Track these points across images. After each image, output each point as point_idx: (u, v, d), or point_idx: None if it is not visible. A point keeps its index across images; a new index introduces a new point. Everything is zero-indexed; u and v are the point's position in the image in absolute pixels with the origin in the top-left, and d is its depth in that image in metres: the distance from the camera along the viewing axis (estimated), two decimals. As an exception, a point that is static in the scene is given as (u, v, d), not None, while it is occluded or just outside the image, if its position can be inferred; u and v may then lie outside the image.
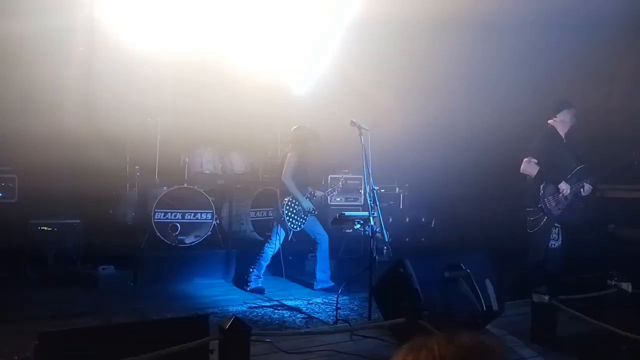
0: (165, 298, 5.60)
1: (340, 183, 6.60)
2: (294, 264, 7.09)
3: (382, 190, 9.00)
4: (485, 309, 3.67)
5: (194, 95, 6.79)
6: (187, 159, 6.77)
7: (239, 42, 7.45)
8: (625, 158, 4.84)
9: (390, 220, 8.93)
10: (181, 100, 6.68)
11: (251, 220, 6.85)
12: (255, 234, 6.89)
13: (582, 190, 4.85)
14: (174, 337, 2.38)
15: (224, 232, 6.99)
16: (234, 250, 6.70)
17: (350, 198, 8.27)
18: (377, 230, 4.42)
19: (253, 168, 7.16)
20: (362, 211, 8.12)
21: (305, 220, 5.84)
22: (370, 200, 4.49)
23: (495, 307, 3.72)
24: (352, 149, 8.56)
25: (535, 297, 3.62)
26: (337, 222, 5.06)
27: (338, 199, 8.16)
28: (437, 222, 8.84)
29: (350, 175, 8.34)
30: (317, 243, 5.98)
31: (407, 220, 8.99)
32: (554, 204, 4.78)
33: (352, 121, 4.71)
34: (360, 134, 4.62)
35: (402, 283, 3.63)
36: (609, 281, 3.88)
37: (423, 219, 9.02)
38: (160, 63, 6.31)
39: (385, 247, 8.05)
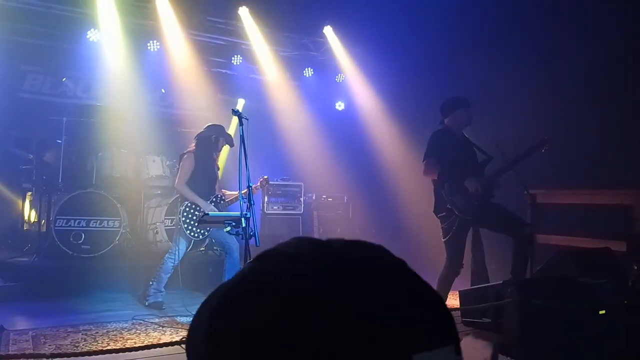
0: (46, 314, 5.00)
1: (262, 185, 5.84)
2: (214, 275, 6.51)
3: (329, 199, 8.43)
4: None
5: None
6: (95, 162, 6.20)
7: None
8: (535, 142, 4.24)
9: (339, 230, 8.34)
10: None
11: (165, 229, 6.25)
12: (170, 244, 6.28)
13: (495, 183, 4.21)
14: None
15: (138, 241, 6.41)
16: (144, 261, 6.10)
17: (290, 206, 7.66)
18: (251, 232, 3.79)
19: (173, 172, 6.54)
20: (294, 217, 7.58)
21: (210, 228, 5.19)
22: (244, 200, 3.88)
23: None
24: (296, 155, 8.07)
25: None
26: (202, 223, 4.44)
27: (275, 207, 7.56)
28: (389, 232, 8.20)
29: (289, 183, 7.77)
30: (227, 254, 5.35)
31: (357, 230, 8.38)
32: (463, 202, 4.11)
33: (232, 109, 4.15)
34: (241, 124, 4.05)
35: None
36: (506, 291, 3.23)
37: (374, 230, 8.41)
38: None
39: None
